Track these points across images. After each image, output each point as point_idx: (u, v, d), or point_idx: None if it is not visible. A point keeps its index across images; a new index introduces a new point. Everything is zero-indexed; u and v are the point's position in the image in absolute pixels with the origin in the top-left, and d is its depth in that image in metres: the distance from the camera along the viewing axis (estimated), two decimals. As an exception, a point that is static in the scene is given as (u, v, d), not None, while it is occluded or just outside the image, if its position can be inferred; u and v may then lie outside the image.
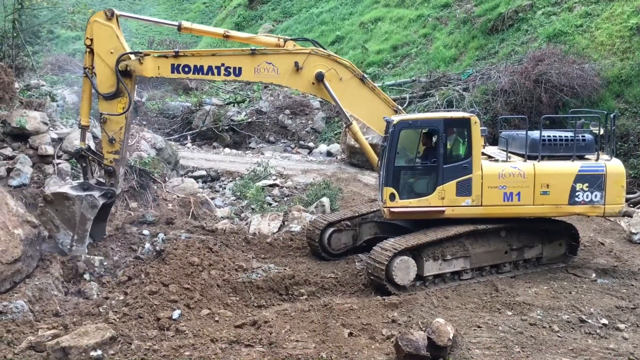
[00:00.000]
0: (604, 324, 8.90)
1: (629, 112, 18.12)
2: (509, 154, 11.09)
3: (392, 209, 10.62)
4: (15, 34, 17.90)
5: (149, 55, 10.95)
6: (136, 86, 11.25)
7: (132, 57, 10.86)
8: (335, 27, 33.98)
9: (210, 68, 10.98)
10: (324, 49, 11.77)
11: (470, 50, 24.77)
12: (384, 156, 10.89)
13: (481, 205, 10.61)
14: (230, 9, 46.20)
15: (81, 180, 11.69)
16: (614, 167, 10.73)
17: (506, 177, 10.59)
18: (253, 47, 11.21)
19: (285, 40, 11.63)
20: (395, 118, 10.76)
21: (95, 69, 10.96)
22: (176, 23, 11.67)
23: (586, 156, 10.99)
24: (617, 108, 18.18)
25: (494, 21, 24.64)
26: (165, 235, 12.29)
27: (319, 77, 11.16)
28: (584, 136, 11.08)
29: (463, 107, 20.16)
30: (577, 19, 21.70)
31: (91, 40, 10.82)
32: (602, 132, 11.27)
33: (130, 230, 12.56)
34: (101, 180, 11.76)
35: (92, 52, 10.90)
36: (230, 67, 11.01)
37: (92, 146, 14.40)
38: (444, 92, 22.10)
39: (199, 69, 10.98)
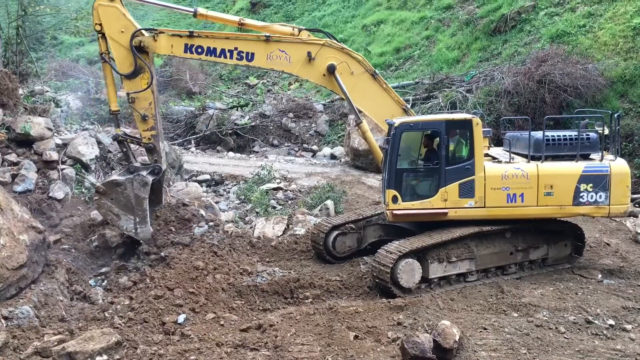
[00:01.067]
0: (610, 325, 8.86)
1: (633, 112, 18.06)
2: (512, 155, 11.01)
3: (394, 212, 10.59)
4: (19, 41, 17.97)
5: (163, 32, 11.08)
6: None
7: (146, 33, 11.05)
8: (338, 30, 33.96)
9: (223, 51, 11.06)
10: (338, 41, 11.76)
11: (473, 52, 24.74)
12: (386, 158, 10.87)
13: (484, 207, 10.57)
14: (233, 13, 46.25)
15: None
16: (618, 167, 10.65)
17: (509, 178, 10.54)
18: (267, 34, 11.24)
19: (300, 30, 11.67)
20: (397, 120, 10.74)
21: (111, 52, 11.17)
22: (192, 9, 11.78)
23: (591, 155, 10.93)
24: (622, 108, 18.11)
25: (497, 22, 24.59)
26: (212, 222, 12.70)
27: (331, 69, 11.21)
28: (588, 135, 10.97)
29: (467, 108, 20.12)
30: (580, 20, 21.64)
31: (100, 25, 10.99)
32: (606, 131, 11.17)
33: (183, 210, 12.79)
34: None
35: (104, 36, 11.09)
36: (243, 52, 11.11)
37: (95, 153, 14.55)
38: (447, 94, 22.06)
39: (212, 51, 11.05)
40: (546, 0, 23.64)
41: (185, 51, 11.08)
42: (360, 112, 11.73)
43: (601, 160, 10.71)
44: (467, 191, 10.50)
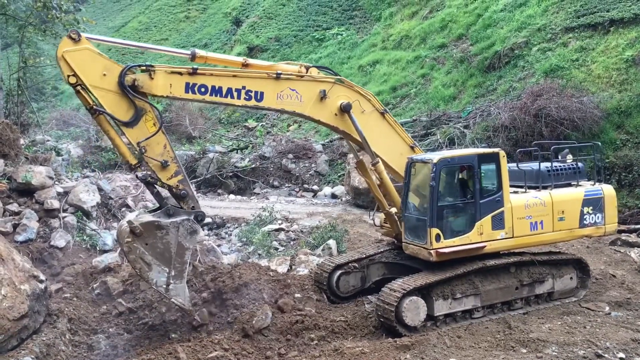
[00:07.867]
0: (621, 358, 8.72)
1: (631, 142, 18.18)
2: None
3: (440, 250, 10.20)
4: (20, 92, 18.20)
5: (160, 69, 9.34)
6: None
7: (137, 70, 9.33)
8: (335, 70, 34.46)
9: (229, 90, 9.69)
10: (340, 77, 11.10)
11: (468, 88, 25.05)
12: (407, 196, 10.79)
13: (513, 237, 10.77)
14: (231, 58, 47.04)
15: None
16: (609, 190, 11.83)
17: (531, 207, 10.92)
18: (279, 72, 10.15)
19: (308, 68, 10.89)
20: (435, 156, 10.51)
21: (99, 103, 9.09)
22: (188, 52, 10.21)
23: (573, 183, 11.83)
24: (619, 139, 18.29)
25: (491, 59, 24.99)
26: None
27: (346, 108, 10.49)
28: (577, 164, 12.00)
29: (465, 144, 20.27)
30: (573, 54, 21.98)
31: (75, 75, 8.81)
32: (570, 159, 12.27)
33: None
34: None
35: (83, 88, 8.94)
36: (251, 91, 9.83)
37: (96, 200, 14.48)
38: (445, 131, 22.24)
39: (217, 91, 9.62)
40: (538, 36, 24.05)
41: (187, 91, 9.44)
42: (359, 151, 11.64)
43: (593, 185, 11.80)
44: (498, 223, 10.61)
